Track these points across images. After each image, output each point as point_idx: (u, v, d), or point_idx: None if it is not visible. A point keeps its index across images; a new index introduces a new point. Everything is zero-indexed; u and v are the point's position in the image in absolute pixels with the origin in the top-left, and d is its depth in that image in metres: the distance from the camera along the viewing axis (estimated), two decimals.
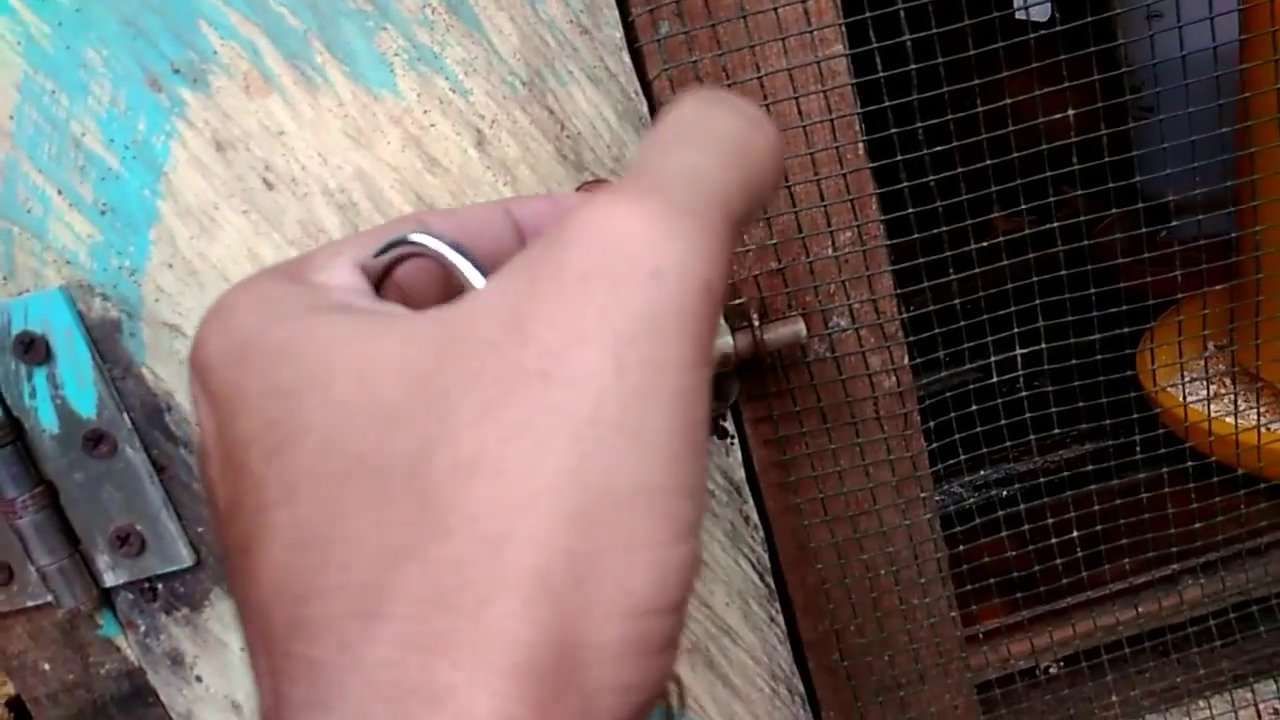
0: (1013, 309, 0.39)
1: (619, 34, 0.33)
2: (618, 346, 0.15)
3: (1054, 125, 0.37)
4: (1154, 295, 0.50)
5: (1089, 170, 0.37)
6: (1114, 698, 0.45)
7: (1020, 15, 0.64)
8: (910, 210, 0.36)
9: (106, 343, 0.36)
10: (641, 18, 0.33)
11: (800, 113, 0.34)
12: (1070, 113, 0.36)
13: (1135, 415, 0.42)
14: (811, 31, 0.33)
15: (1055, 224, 0.38)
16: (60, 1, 0.32)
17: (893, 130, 0.35)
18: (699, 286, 0.16)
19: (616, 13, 0.33)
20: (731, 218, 0.17)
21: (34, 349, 0.35)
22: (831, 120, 0.34)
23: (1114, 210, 0.40)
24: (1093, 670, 0.47)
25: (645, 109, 0.34)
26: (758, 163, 0.18)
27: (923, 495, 0.40)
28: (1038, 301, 0.38)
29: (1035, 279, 0.38)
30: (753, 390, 0.38)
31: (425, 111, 0.34)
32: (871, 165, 0.35)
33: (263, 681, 0.16)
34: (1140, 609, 0.47)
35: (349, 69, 0.33)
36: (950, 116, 0.35)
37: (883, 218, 0.36)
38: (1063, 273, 0.38)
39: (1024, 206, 0.37)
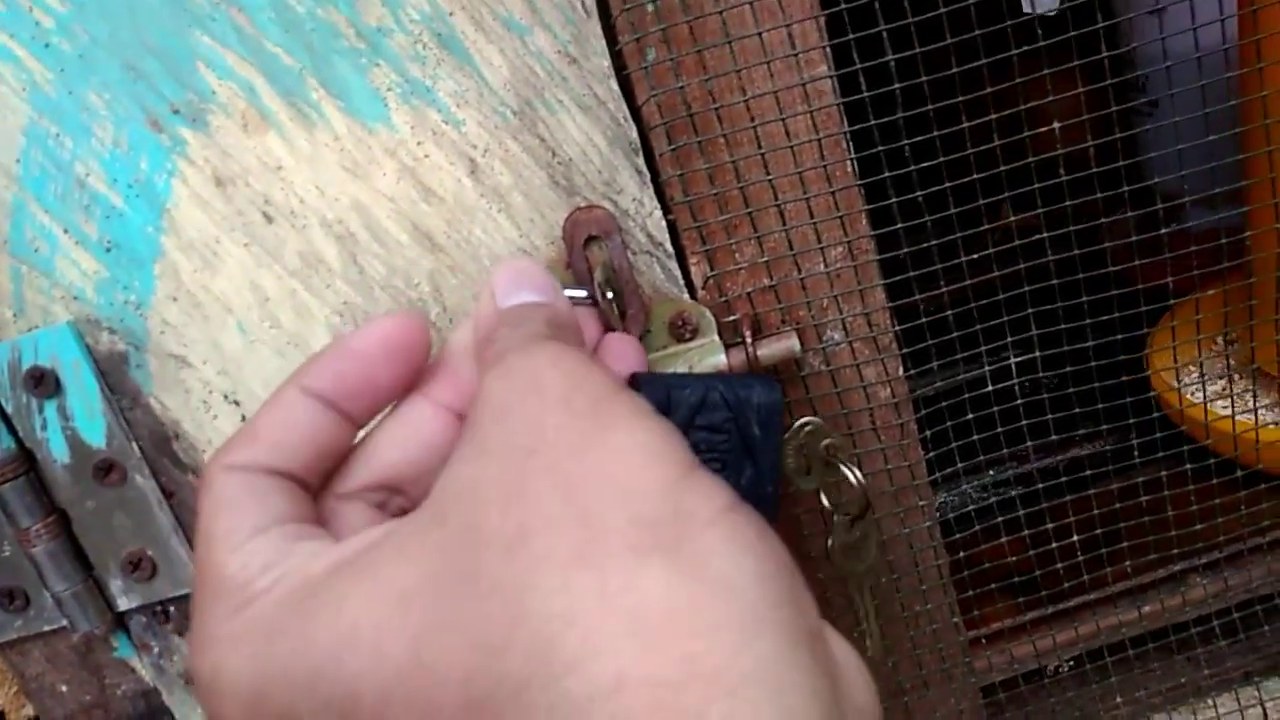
0: (1019, 315, 0.39)
1: (606, 62, 0.34)
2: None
3: (1058, 128, 0.38)
4: (1172, 293, 0.50)
5: (1096, 171, 0.37)
6: (1118, 699, 0.45)
7: (1026, 9, 0.63)
8: (899, 226, 0.36)
9: (114, 375, 0.37)
10: (629, 45, 0.34)
11: (788, 133, 0.35)
12: (1056, 125, 0.36)
13: (1132, 417, 0.42)
14: (796, 55, 0.33)
15: (1069, 228, 0.38)
16: (62, 48, 0.33)
17: (879, 148, 0.35)
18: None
19: (604, 41, 0.34)
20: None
21: (44, 383, 0.36)
22: (819, 139, 0.35)
23: (1114, 214, 0.40)
24: (1099, 670, 0.47)
25: (634, 134, 0.35)
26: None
27: (921, 503, 0.41)
28: (1022, 313, 0.39)
29: (1026, 288, 0.38)
30: None
31: (419, 143, 0.34)
32: (863, 182, 0.36)
33: None
34: (1145, 608, 0.47)
35: (344, 104, 0.34)
36: (937, 133, 0.35)
37: (873, 233, 0.36)
38: (1065, 277, 0.39)
39: (1041, 210, 0.37)
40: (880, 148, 0.35)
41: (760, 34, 0.33)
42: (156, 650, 0.41)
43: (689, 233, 0.36)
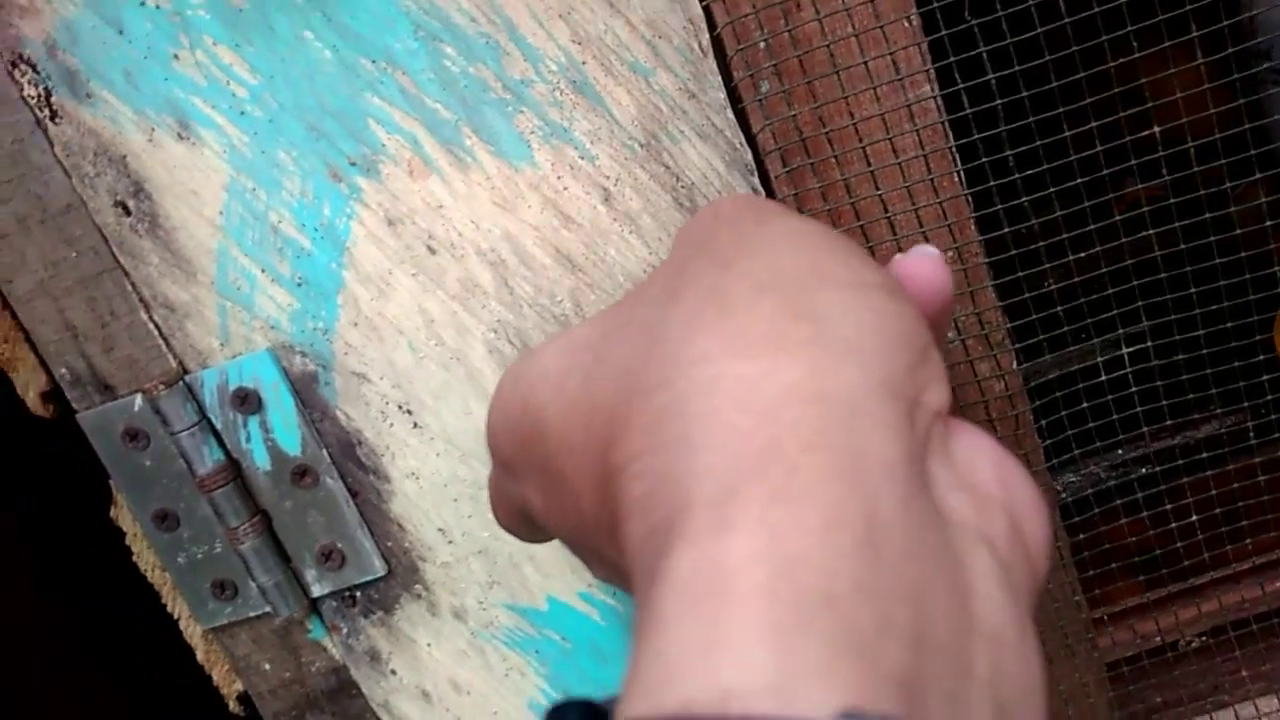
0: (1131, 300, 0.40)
1: (722, 95, 0.37)
2: None
3: (1189, 100, 0.38)
4: None
5: (1228, 141, 0.38)
6: (1243, 673, 0.46)
7: None
8: (1033, 222, 0.39)
9: (306, 392, 0.42)
10: (743, 80, 0.37)
11: (894, 150, 0.37)
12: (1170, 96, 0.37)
13: (1267, 395, 0.42)
14: (901, 79, 0.36)
15: (1199, 193, 0.38)
16: (255, 115, 0.38)
17: (984, 159, 0.37)
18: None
19: (719, 77, 0.37)
20: None
21: (248, 402, 0.42)
22: (925, 155, 0.37)
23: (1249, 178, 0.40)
24: (1230, 644, 0.48)
25: (749, 157, 0.38)
26: None
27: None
28: (1159, 278, 0.40)
29: (1156, 256, 0.39)
30: None
31: (559, 177, 0.39)
32: (975, 190, 0.38)
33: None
34: (1269, 586, 0.48)
35: (493, 148, 0.38)
36: (1065, 133, 0.37)
37: (981, 237, 0.39)
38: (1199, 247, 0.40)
39: (1166, 178, 0.38)
40: (985, 159, 0.37)
41: (865, 62, 0.36)
42: (345, 631, 0.47)
43: None
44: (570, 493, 0.22)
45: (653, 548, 0.17)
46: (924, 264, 0.25)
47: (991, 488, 0.20)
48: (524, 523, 0.27)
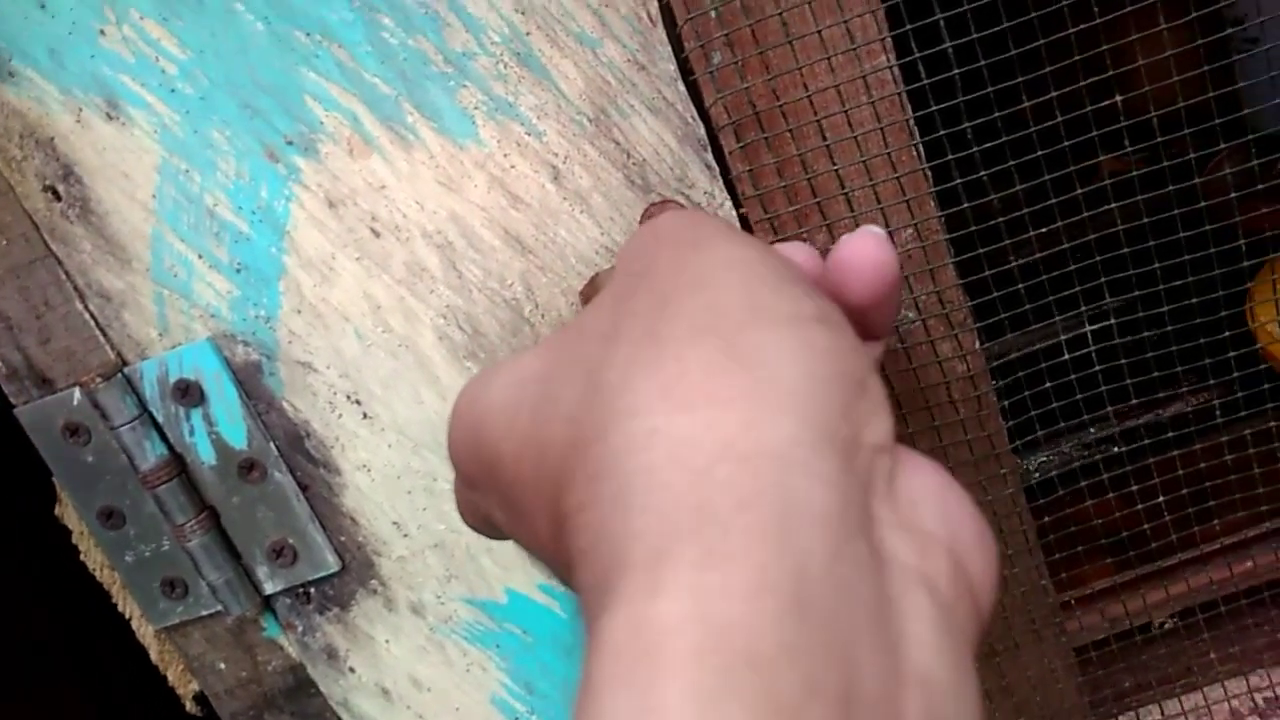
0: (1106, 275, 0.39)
1: (673, 67, 0.36)
2: None
3: (1153, 67, 0.37)
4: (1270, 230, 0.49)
5: (1194, 110, 0.37)
6: (1211, 655, 0.46)
7: None
8: (994, 196, 0.38)
9: (250, 383, 0.41)
10: (694, 51, 0.36)
11: (850, 124, 0.36)
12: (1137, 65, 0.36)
13: (1236, 370, 0.41)
14: (856, 49, 0.35)
15: (1164, 164, 0.37)
16: (186, 92, 0.37)
17: (941, 133, 0.36)
18: None
19: (669, 48, 0.36)
20: None
21: (189, 394, 0.41)
22: (881, 129, 0.36)
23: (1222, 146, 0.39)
24: (1199, 626, 0.47)
25: (702, 131, 0.37)
26: None
27: (1003, 471, 0.42)
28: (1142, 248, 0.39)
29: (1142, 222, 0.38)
30: None
31: (505, 155, 0.37)
32: (933, 164, 0.37)
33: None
34: (1256, 561, 0.47)
35: (437, 125, 0.37)
36: (1014, 82, 0.36)
37: (941, 213, 0.38)
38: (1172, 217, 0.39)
39: (1129, 149, 0.37)
40: (943, 131, 0.36)
41: (819, 31, 0.35)
42: (300, 629, 0.46)
43: (760, 224, 0.38)
44: (529, 521, 0.23)
45: (595, 601, 0.18)
46: (868, 242, 0.26)
47: (935, 525, 0.21)
48: (489, 527, 0.27)
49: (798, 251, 0.28)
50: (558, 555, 0.21)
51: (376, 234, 0.38)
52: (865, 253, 0.25)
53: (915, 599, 0.19)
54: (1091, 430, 0.62)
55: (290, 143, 0.37)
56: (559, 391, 0.22)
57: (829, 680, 0.16)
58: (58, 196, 0.38)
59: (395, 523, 0.43)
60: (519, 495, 0.23)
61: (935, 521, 0.21)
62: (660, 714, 0.15)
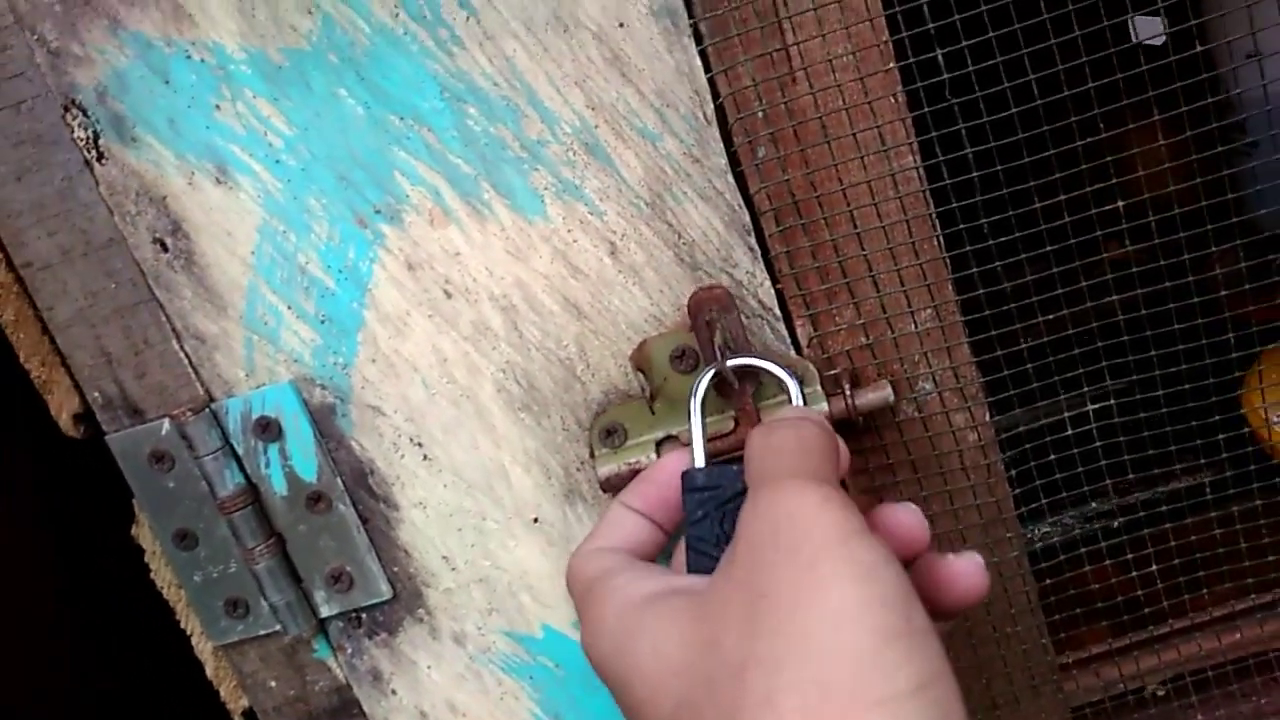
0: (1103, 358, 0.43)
1: (724, 160, 0.41)
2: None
3: (1153, 173, 0.41)
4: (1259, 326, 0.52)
5: (1197, 211, 0.41)
6: (1199, 717, 0.49)
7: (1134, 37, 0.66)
8: (979, 285, 0.42)
9: (324, 422, 0.45)
10: (742, 146, 0.40)
11: (879, 215, 0.40)
12: (1141, 172, 0.41)
13: (1225, 452, 0.45)
14: (886, 150, 0.39)
15: (1161, 261, 0.42)
16: (289, 163, 0.41)
17: (960, 226, 0.40)
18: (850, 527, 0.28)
19: (721, 144, 0.40)
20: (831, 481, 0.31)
21: (269, 430, 0.45)
22: (906, 220, 0.40)
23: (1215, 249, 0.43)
24: (1187, 691, 0.50)
25: (747, 218, 0.41)
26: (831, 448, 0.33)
27: (1009, 535, 0.45)
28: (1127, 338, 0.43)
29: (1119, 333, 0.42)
30: (849, 446, 0.44)
31: (569, 230, 0.42)
32: (952, 254, 0.41)
33: None
34: (1243, 633, 0.50)
35: (509, 202, 0.41)
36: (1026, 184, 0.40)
37: (958, 297, 0.42)
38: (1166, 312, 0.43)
39: (1129, 248, 0.41)
40: (962, 225, 0.40)
41: (854, 134, 0.39)
42: (350, 651, 0.49)
43: (795, 300, 0.42)
44: None
45: None
46: (980, 580, 0.32)
47: None
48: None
49: (911, 518, 0.34)
50: None
51: (449, 295, 0.43)
52: (976, 586, 0.32)
53: None
54: (1092, 503, 0.65)
55: (378, 211, 0.42)
56: (699, 699, 0.27)
57: None
58: (165, 248, 0.43)
59: (445, 557, 0.47)
60: None
61: None
62: None
